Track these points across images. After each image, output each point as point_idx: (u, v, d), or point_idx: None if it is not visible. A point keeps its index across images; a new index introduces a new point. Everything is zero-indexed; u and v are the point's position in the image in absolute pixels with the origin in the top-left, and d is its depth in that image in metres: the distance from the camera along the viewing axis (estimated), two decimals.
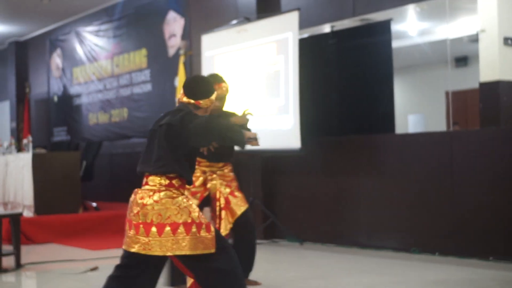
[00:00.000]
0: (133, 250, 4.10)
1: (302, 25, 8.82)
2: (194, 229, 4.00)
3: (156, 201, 4.03)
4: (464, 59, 8.30)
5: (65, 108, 15.73)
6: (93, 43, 14.55)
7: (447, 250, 7.47)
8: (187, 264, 4.08)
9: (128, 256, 4.21)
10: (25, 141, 10.83)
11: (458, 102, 8.10)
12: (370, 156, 8.38)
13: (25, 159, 10.27)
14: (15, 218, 7.33)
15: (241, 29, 9.49)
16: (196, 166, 5.56)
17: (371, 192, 8.33)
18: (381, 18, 8.52)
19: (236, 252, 4.20)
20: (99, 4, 14.10)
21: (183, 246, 3.98)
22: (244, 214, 5.91)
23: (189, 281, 4.74)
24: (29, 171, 10.10)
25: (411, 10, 8.42)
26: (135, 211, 4.11)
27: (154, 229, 4.01)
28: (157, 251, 4.00)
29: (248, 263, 5.93)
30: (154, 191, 4.06)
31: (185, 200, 4.06)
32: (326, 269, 6.93)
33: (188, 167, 4.18)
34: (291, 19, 8.65)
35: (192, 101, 4.33)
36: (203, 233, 4.02)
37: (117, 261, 4.20)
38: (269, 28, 9.03)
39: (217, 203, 5.94)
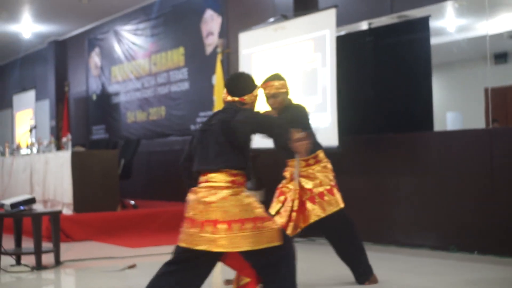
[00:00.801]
0: (198, 247, 4.15)
1: (340, 23, 8.78)
2: (259, 224, 4.10)
3: (222, 198, 4.11)
4: (503, 56, 8.19)
5: (104, 106, 15.85)
6: (131, 41, 14.63)
7: (486, 249, 7.39)
8: (252, 259, 4.17)
9: (183, 252, 4.25)
10: (64, 139, 10.93)
11: (497, 99, 7.99)
12: (408, 154, 8.33)
13: (65, 157, 10.36)
14: (55, 216, 7.40)
15: (278, 27, 9.48)
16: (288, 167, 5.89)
17: (408, 190, 8.27)
18: (419, 15, 8.46)
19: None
20: (136, 3, 14.19)
21: (249, 241, 4.07)
22: (326, 219, 5.82)
23: (243, 280, 4.72)
24: (68, 169, 10.19)
25: (449, 6, 8.34)
26: (199, 209, 4.18)
27: (220, 226, 4.08)
28: (223, 248, 4.06)
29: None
30: (217, 189, 4.14)
31: (248, 196, 4.16)
32: None
33: (249, 163, 4.31)
34: (329, 16, 8.62)
35: (236, 98, 4.41)
36: (267, 227, 4.12)
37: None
38: (306, 25, 9.01)
39: (290, 204, 5.74)
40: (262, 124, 4.30)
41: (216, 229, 4.09)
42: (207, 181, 4.24)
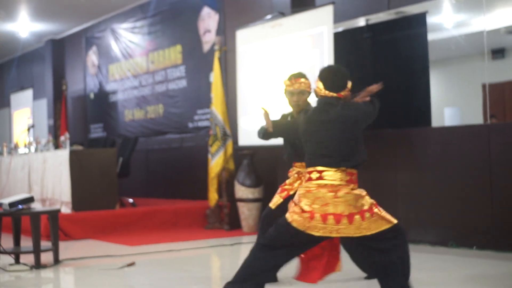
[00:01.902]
0: (318, 234, 4.36)
1: (337, 19, 8.78)
2: (375, 210, 4.43)
3: (347, 193, 4.35)
4: (501, 51, 8.19)
5: (101, 105, 15.85)
6: (128, 40, 14.63)
7: (485, 244, 7.40)
8: (379, 241, 4.41)
9: (296, 235, 4.42)
10: (62, 138, 10.92)
11: (495, 94, 7.99)
12: (406, 149, 8.33)
13: (63, 156, 10.36)
14: (53, 215, 7.39)
15: (275, 23, 9.48)
16: (293, 167, 5.92)
17: (407, 186, 8.27)
18: (417, 11, 8.45)
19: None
20: (134, 1, 14.18)
21: (369, 227, 4.37)
22: None
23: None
24: (67, 168, 10.19)
25: (446, 2, 8.35)
26: (321, 203, 4.34)
27: (345, 220, 4.34)
28: (345, 234, 4.37)
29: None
30: (338, 186, 4.37)
31: (362, 191, 4.46)
32: None
33: (365, 156, 4.58)
34: (326, 13, 8.62)
35: (335, 94, 4.55)
36: (379, 213, 4.44)
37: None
38: (304, 22, 9.01)
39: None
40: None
41: (340, 221, 4.35)
42: (320, 178, 4.42)
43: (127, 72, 14.75)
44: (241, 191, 9.93)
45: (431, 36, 8.35)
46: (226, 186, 10.29)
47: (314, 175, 4.43)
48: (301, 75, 5.83)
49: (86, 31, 16.52)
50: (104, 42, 15.63)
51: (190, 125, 12.57)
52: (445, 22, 8.58)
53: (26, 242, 7.84)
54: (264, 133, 5.72)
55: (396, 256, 4.43)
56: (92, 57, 16.20)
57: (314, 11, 8.89)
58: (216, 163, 10.15)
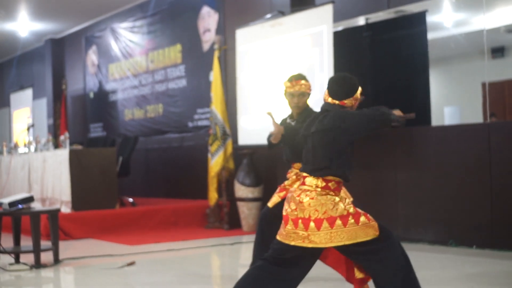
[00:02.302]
0: (292, 243, 4.24)
1: (337, 18, 8.78)
2: (351, 220, 4.22)
3: (311, 199, 4.23)
4: (501, 50, 8.19)
5: (101, 104, 15.85)
6: (128, 39, 14.63)
7: (485, 243, 7.40)
8: (350, 254, 4.32)
9: (282, 249, 4.31)
10: (62, 137, 10.91)
11: (495, 93, 7.99)
12: (406, 148, 8.33)
13: (63, 155, 10.36)
14: (53, 214, 7.39)
15: (275, 23, 9.48)
16: (292, 168, 5.87)
17: (407, 185, 8.27)
18: (416, 10, 8.45)
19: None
20: (133, 0, 14.18)
21: (342, 237, 4.18)
22: None
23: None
24: (67, 167, 10.19)
25: (446, 1, 8.35)
26: (293, 208, 4.27)
27: (312, 224, 4.20)
28: (316, 244, 4.20)
29: None
30: (311, 191, 4.25)
31: (338, 198, 4.29)
32: None
33: (347, 167, 4.46)
34: (325, 12, 8.62)
35: (337, 102, 4.48)
36: (362, 221, 4.26)
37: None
38: (304, 21, 9.01)
39: None
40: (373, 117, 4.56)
41: (308, 227, 4.23)
42: (303, 183, 4.38)
43: (126, 72, 14.75)
44: (241, 190, 9.93)
45: (431, 35, 8.35)
46: (226, 185, 10.30)
47: (301, 180, 4.42)
48: (301, 77, 5.84)
49: (85, 31, 16.52)
50: (104, 42, 15.63)
51: (190, 124, 12.57)
52: (445, 21, 8.58)
53: (26, 242, 7.84)
54: (270, 144, 5.77)
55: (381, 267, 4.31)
56: (92, 56, 16.20)
57: (314, 10, 8.89)
58: (216, 162, 10.15)
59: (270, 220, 5.89)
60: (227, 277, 6.46)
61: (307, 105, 5.91)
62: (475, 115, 8.06)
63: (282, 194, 5.88)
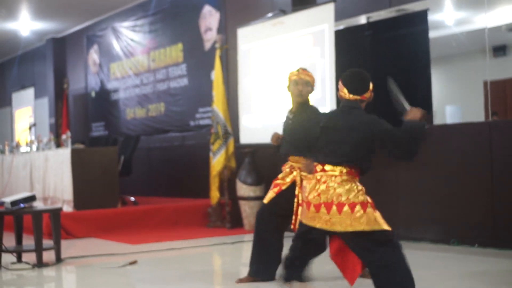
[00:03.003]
0: (317, 226, 4.63)
1: (338, 17, 8.78)
2: (370, 209, 4.62)
3: (338, 184, 4.58)
4: (502, 48, 8.19)
5: (103, 103, 15.85)
6: (129, 38, 14.63)
7: (487, 242, 7.40)
8: (359, 242, 4.59)
9: (307, 230, 4.74)
10: (64, 136, 10.93)
11: (496, 92, 7.99)
12: None
13: (64, 154, 10.37)
14: (55, 213, 7.40)
15: (276, 22, 9.47)
16: (288, 161, 6.02)
17: (409, 184, 8.27)
18: (418, 8, 8.45)
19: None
20: None
21: (361, 222, 4.54)
22: None
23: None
24: (68, 167, 10.20)
25: None
26: (315, 194, 4.63)
27: (334, 208, 4.54)
28: (336, 227, 4.55)
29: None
30: (336, 176, 4.61)
31: (360, 184, 4.70)
32: None
33: (367, 160, 4.87)
34: (327, 11, 8.61)
35: (358, 97, 4.86)
36: (378, 213, 4.68)
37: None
38: (305, 20, 9.01)
39: (295, 199, 5.85)
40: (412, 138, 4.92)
41: (330, 210, 4.57)
42: (323, 170, 4.69)
43: (128, 71, 14.75)
44: (243, 189, 9.93)
45: (432, 34, 8.34)
46: (228, 184, 10.30)
47: (319, 167, 4.69)
48: (308, 70, 5.93)
49: (87, 30, 16.52)
50: (105, 41, 15.64)
51: (192, 123, 12.57)
52: (446, 20, 8.57)
53: (28, 241, 7.85)
54: (275, 147, 6.08)
55: (386, 260, 4.56)
56: (94, 55, 16.20)
57: (315, 9, 8.88)
58: (217, 161, 10.15)
59: (267, 218, 5.92)
60: (229, 276, 6.46)
61: (308, 100, 5.95)
62: (476, 113, 8.06)
63: (276, 189, 5.91)
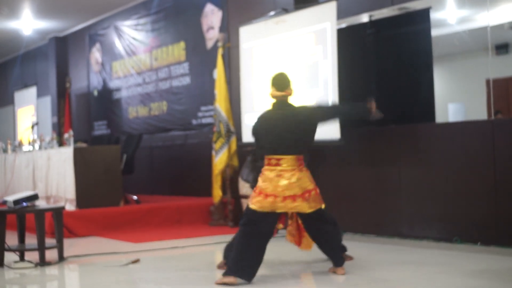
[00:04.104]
0: (279, 211, 5.91)
1: (340, 15, 8.77)
2: (317, 191, 6.06)
3: (296, 176, 5.91)
4: (505, 46, 8.18)
5: (105, 102, 15.86)
6: (131, 37, 14.63)
7: (489, 240, 7.40)
8: (311, 219, 6.08)
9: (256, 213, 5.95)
10: (66, 135, 10.94)
11: (499, 90, 7.98)
12: (410, 145, 8.32)
13: (67, 153, 10.37)
14: (58, 212, 7.40)
15: (279, 20, 9.47)
16: None
17: (412, 182, 8.27)
18: (420, 7, 8.44)
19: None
20: None
21: (316, 203, 6.01)
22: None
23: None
24: (71, 165, 10.20)
25: None
26: (282, 185, 5.91)
27: (299, 195, 5.91)
28: (303, 209, 5.94)
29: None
30: (290, 171, 5.92)
31: (308, 174, 6.05)
32: (367, 260, 6.90)
33: (306, 151, 6.13)
34: (329, 9, 8.61)
35: (283, 92, 6.08)
36: (319, 193, 6.12)
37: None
38: (307, 18, 9.00)
39: None
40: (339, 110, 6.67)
41: (296, 199, 5.94)
42: (278, 164, 5.95)
43: (130, 69, 14.76)
44: (245, 187, 9.93)
45: (434, 32, 8.34)
46: (230, 182, 10.30)
47: (273, 161, 5.95)
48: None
49: (89, 28, 16.53)
50: (108, 39, 15.64)
51: (194, 122, 12.57)
52: (449, 18, 8.57)
53: (31, 240, 7.86)
54: None
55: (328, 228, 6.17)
56: (96, 54, 16.21)
57: (318, 7, 8.88)
58: (220, 160, 10.15)
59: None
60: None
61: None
62: (479, 111, 8.06)
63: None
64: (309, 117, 6.05)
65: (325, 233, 6.15)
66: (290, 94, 6.11)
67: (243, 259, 5.77)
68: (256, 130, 6.16)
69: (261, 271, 6.05)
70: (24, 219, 7.64)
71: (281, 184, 5.86)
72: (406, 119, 8.51)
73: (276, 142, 5.95)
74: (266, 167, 6.01)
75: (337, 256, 6.17)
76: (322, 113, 6.23)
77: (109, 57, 15.65)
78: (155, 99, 13.89)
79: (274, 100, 6.16)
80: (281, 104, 6.10)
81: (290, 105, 6.12)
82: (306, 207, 5.92)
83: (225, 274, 5.78)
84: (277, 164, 5.92)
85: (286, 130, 5.93)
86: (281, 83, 6.09)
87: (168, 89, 13.44)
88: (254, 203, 5.91)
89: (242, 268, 5.75)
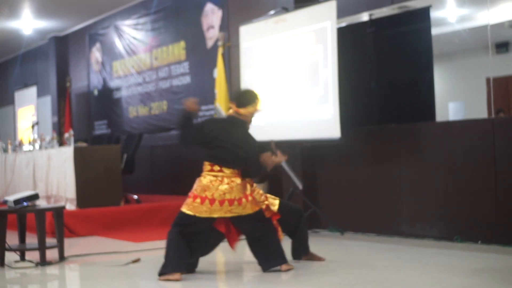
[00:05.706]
0: (215, 215, 6.10)
1: (340, 14, 8.77)
2: (250, 198, 6.19)
3: (235, 183, 6.13)
4: (505, 45, 8.18)
5: (105, 101, 15.86)
6: (131, 36, 14.63)
7: (490, 239, 7.40)
8: (243, 222, 6.20)
9: (189, 218, 6.20)
10: (66, 135, 10.93)
11: (499, 88, 7.98)
12: (410, 144, 8.32)
13: (67, 153, 10.37)
14: (58, 211, 7.40)
15: (279, 19, 9.47)
16: None
17: (412, 181, 8.27)
18: (420, 5, 8.44)
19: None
20: None
21: (251, 208, 6.15)
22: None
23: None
24: (71, 165, 10.19)
25: None
26: (221, 191, 6.10)
27: (236, 202, 6.09)
28: (238, 213, 6.11)
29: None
30: (231, 177, 6.15)
31: (245, 182, 6.23)
32: (368, 259, 6.91)
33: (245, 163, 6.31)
34: (329, 8, 8.60)
35: (241, 110, 6.32)
36: (254, 198, 6.26)
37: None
38: (307, 17, 9.00)
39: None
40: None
41: (233, 203, 6.10)
42: (221, 171, 6.17)
43: (131, 69, 14.76)
44: None
45: (434, 31, 8.33)
46: None
47: (216, 168, 6.18)
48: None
49: (89, 28, 16.53)
50: (108, 39, 15.64)
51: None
52: (449, 16, 8.57)
53: (31, 239, 7.85)
54: None
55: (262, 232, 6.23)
56: (96, 53, 16.21)
57: (318, 6, 8.87)
58: None
59: None
60: (232, 274, 6.47)
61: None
62: (479, 110, 8.06)
63: None
64: (245, 148, 6.20)
65: (261, 234, 6.22)
66: (245, 114, 6.32)
67: (175, 255, 6.27)
68: (209, 132, 6.37)
69: (256, 271, 6.07)
70: (24, 219, 7.64)
71: (221, 188, 6.06)
72: (407, 118, 8.51)
73: (224, 153, 6.16)
74: (207, 173, 6.22)
75: (275, 257, 6.26)
76: (249, 155, 6.22)
77: (109, 57, 15.65)
78: (155, 98, 13.90)
79: (231, 112, 6.45)
80: (236, 120, 6.35)
81: (243, 126, 6.37)
82: (246, 209, 6.12)
83: (161, 274, 6.16)
84: (220, 171, 6.15)
85: (234, 146, 6.16)
86: (243, 100, 6.33)
87: (168, 89, 13.44)
88: (191, 209, 6.12)
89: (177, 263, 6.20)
